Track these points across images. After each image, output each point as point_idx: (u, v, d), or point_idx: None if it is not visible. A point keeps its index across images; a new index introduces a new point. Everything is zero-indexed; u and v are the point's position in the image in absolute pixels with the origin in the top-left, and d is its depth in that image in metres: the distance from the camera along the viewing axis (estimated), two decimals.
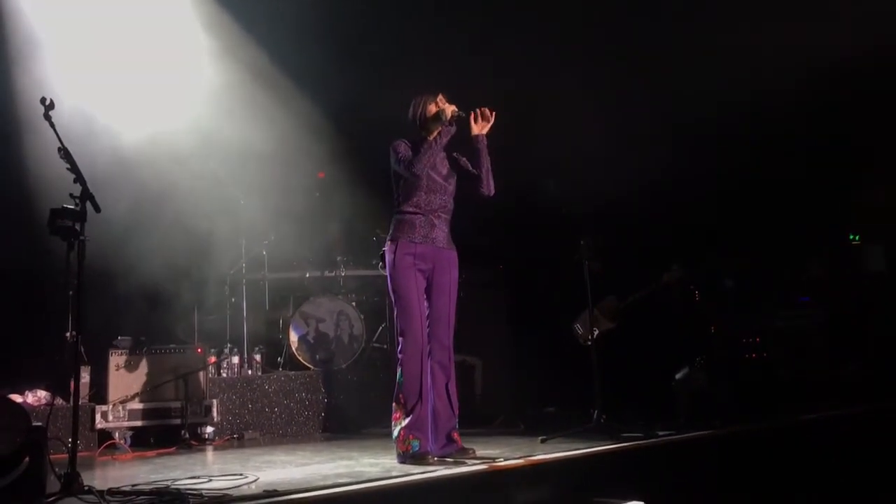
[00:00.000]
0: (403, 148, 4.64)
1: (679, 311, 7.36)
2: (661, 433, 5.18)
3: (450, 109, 4.65)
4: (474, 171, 4.75)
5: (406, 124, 4.83)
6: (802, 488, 5.01)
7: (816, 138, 7.68)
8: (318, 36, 7.44)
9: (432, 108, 4.72)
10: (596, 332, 6.01)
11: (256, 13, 7.48)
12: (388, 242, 4.65)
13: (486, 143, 4.71)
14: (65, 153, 3.87)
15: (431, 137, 4.62)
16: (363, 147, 7.10)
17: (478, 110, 4.68)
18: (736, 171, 7.84)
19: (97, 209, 3.87)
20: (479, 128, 4.70)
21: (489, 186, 4.75)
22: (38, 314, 6.41)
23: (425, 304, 4.59)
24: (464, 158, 4.83)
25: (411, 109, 4.80)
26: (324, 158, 7.78)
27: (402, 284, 4.55)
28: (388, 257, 4.61)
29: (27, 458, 3.64)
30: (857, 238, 8.19)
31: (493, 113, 4.69)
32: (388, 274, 4.62)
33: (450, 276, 4.68)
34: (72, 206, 3.80)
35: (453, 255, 4.73)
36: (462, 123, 4.66)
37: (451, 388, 4.61)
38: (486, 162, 4.71)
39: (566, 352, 7.04)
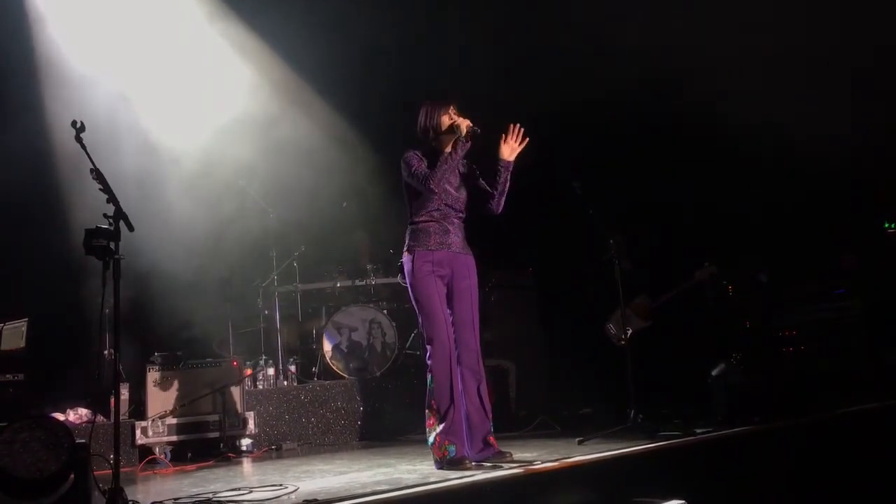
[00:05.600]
0: (417, 162, 4.58)
1: (713, 308, 7.30)
2: (698, 431, 5.14)
3: (465, 125, 4.56)
4: (486, 186, 4.72)
5: (415, 130, 4.76)
6: (845, 482, 4.94)
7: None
8: (345, 48, 7.51)
9: (445, 120, 4.64)
10: (629, 332, 5.98)
11: (280, 29, 7.56)
12: (405, 253, 4.63)
13: (511, 168, 4.65)
14: (97, 174, 3.93)
15: (447, 151, 4.56)
16: (390, 155, 7.13)
17: (512, 129, 4.62)
18: (766, 162, 7.77)
19: (130, 228, 3.93)
20: (509, 152, 4.64)
21: (499, 206, 4.73)
22: (76, 333, 6.50)
23: (448, 310, 4.59)
24: (474, 167, 4.80)
25: (421, 118, 4.71)
26: (353, 169, 7.84)
27: (423, 293, 4.54)
28: (406, 267, 4.60)
29: (72, 475, 3.71)
30: (892, 226, 8.06)
31: (527, 139, 4.63)
32: (408, 283, 4.61)
33: (469, 281, 4.67)
34: (106, 226, 3.86)
35: (471, 260, 4.71)
36: (477, 138, 4.58)
37: (483, 392, 4.60)
38: (505, 185, 4.68)
39: (600, 352, 7.02)
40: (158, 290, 6.75)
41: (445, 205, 4.63)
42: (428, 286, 4.53)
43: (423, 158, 4.61)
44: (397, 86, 7.59)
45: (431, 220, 4.61)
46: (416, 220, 4.64)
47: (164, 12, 7.20)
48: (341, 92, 7.88)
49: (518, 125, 4.65)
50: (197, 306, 6.96)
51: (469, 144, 4.57)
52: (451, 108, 4.68)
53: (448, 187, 4.63)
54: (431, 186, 4.51)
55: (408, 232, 4.68)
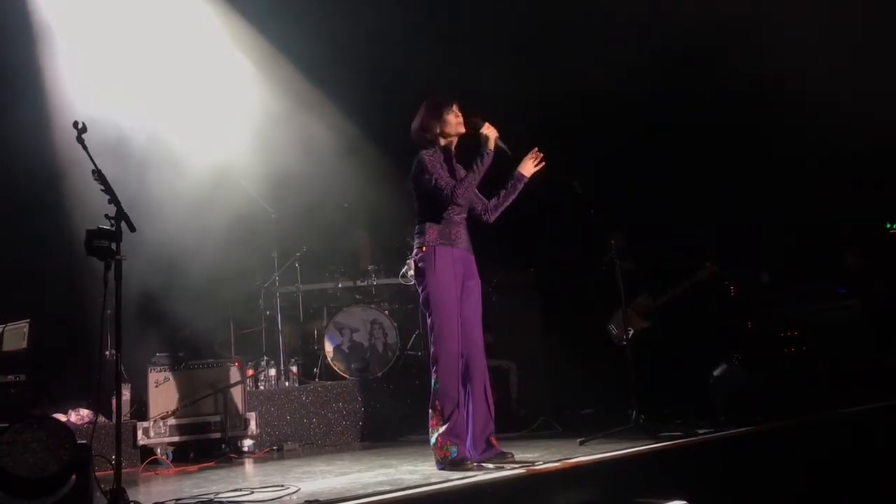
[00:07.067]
0: (438, 168, 4.56)
1: (714, 308, 7.30)
2: (700, 431, 5.14)
3: (493, 137, 4.57)
4: (494, 198, 4.76)
5: (415, 126, 4.74)
6: (847, 483, 4.94)
7: (850, 124, 7.57)
8: (349, 46, 7.52)
9: (451, 119, 4.63)
10: (631, 332, 5.98)
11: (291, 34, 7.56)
12: (422, 249, 4.55)
13: (524, 184, 4.73)
14: (98, 175, 3.94)
15: (477, 164, 4.53)
16: (393, 154, 7.13)
17: (533, 152, 4.71)
18: (771, 162, 7.77)
19: (132, 229, 3.93)
20: (529, 169, 4.72)
21: (494, 215, 4.78)
22: (78, 333, 6.50)
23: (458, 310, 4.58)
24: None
25: (426, 116, 4.69)
26: (355, 168, 7.84)
27: (442, 291, 4.48)
28: (426, 264, 4.52)
29: (74, 476, 3.71)
30: (893, 227, 8.06)
31: (543, 163, 4.72)
32: (426, 279, 4.52)
33: (477, 281, 4.70)
34: (107, 227, 3.86)
35: (474, 260, 4.74)
36: (504, 156, 4.60)
37: (488, 392, 4.60)
38: (512, 199, 4.75)
39: (601, 352, 7.01)
40: (160, 290, 6.75)
41: (455, 203, 4.62)
42: (448, 285, 4.50)
43: (444, 164, 4.61)
44: (402, 85, 7.59)
45: (443, 219, 4.60)
46: (428, 217, 4.61)
47: (167, 8, 7.20)
48: (346, 91, 7.87)
49: (538, 152, 4.74)
50: (198, 307, 6.95)
51: (491, 156, 4.57)
52: (454, 106, 4.69)
53: None
54: (459, 201, 4.53)
55: (422, 229, 4.62)
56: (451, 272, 4.52)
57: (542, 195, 6.77)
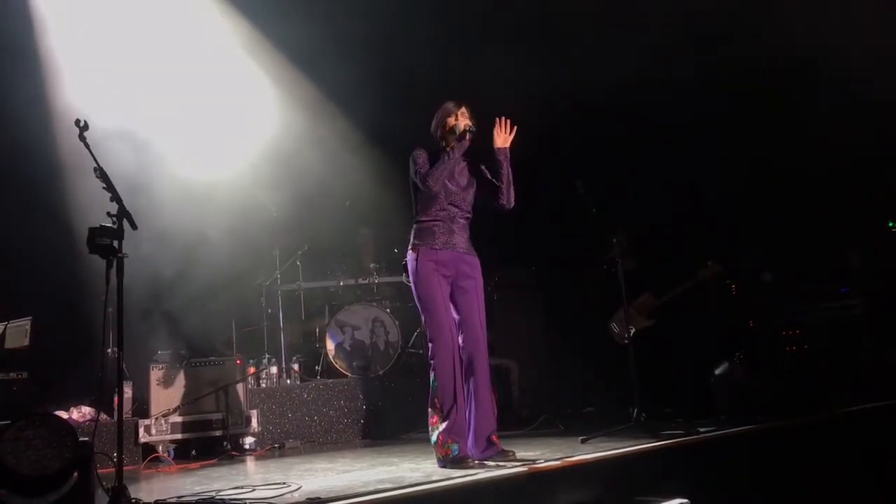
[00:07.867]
0: (422, 160, 4.64)
1: (716, 307, 7.30)
2: (702, 430, 5.14)
3: (462, 124, 4.64)
4: (496, 182, 4.74)
5: (429, 134, 4.84)
6: (849, 481, 4.94)
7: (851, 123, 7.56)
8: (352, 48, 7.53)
9: (451, 122, 4.71)
10: (632, 331, 5.98)
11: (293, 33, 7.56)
12: (409, 251, 4.66)
13: (508, 155, 4.71)
14: (100, 173, 3.94)
15: (452, 153, 4.61)
16: (395, 154, 7.13)
17: (499, 121, 4.68)
18: (772, 161, 7.76)
19: (133, 226, 3.93)
20: (502, 140, 4.70)
21: (509, 199, 4.75)
22: (80, 331, 6.50)
23: (451, 309, 4.61)
24: (482, 167, 4.81)
25: (434, 120, 4.81)
26: (357, 167, 7.85)
27: (426, 291, 4.56)
28: (410, 265, 4.63)
29: (76, 474, 3.72)
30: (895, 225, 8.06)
31: (514, 127, 4.69)
32: (412, 282, 4.64)
33: (475, 280, 4.69)
34: (109, 225, 3.87)
35: (475, 261, 4.73)
36: (477, 136, 4.64)
37: (490, 391, 4.61)
38: (507, 174, 4.71)
39: (603, 351, 7.02)
40: (162, 288, 6.75)
41: (451, 204, 4.65)
42: (431, 285, 4.55)
43: (429, 157, 4.65)
44: (407, 83, 7.59)
45: (437, 220, 4.63)
46: (421, 218, 4.67)
47: (171, 7, 7.20)
48: (349, 89, 7.87)
49: (504, 118, 4.70)
50: (200, 305, 6.95)
51: (466, 143, 4.62)
52: (462, 109, 4.72)
53: (452, 186, 4.66)
54: (429, 184, 4.56)
55: (413, 230, 4.71)
56: (433, 273, 4.56)
57: (544, 194, 6.81)
